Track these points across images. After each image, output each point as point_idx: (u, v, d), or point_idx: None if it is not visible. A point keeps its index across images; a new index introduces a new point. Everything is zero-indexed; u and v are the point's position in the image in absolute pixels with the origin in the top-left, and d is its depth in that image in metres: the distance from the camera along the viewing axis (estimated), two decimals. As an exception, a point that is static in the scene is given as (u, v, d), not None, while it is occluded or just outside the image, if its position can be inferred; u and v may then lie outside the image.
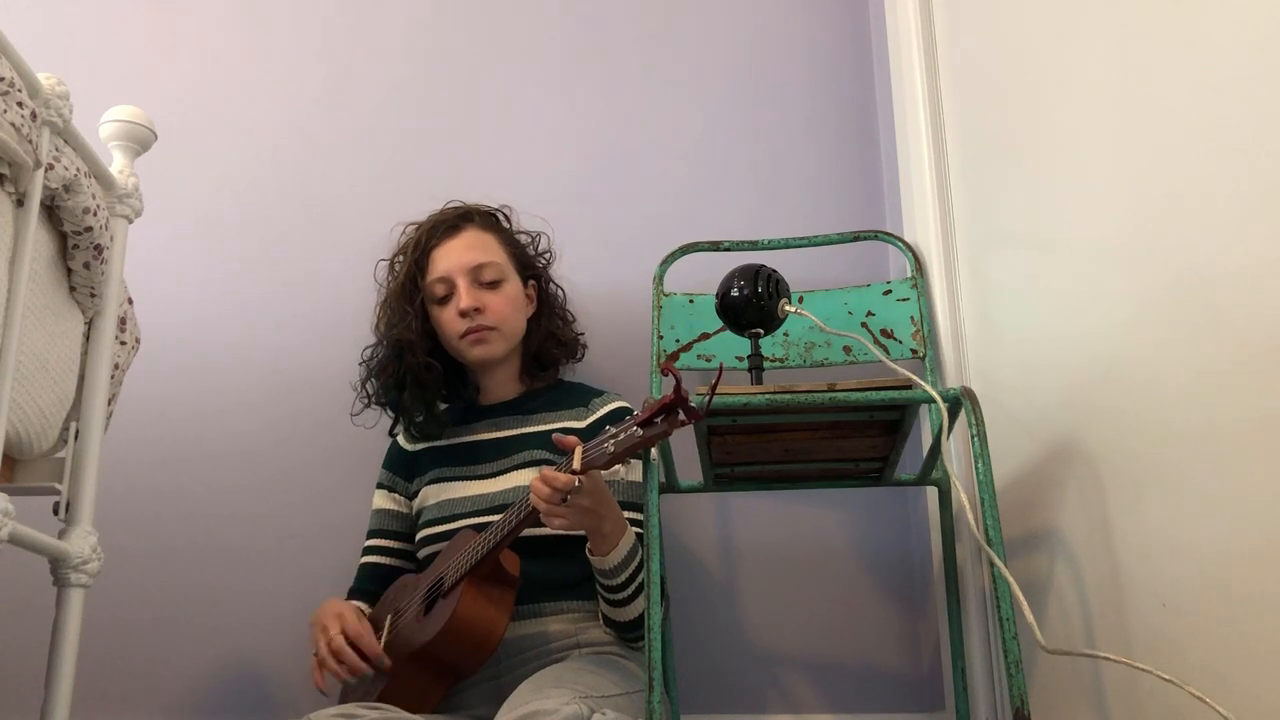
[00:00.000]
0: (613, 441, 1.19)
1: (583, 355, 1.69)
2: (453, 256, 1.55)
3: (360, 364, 1.63)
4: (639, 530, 1.44)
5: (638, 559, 1.37)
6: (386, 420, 1.68)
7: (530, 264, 1.64)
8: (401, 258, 1.60)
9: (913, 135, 1.71)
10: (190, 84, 2.02)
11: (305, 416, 1.83)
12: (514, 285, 1.58)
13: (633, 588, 1.37)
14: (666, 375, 1.14)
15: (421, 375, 1.55)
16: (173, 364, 1.86)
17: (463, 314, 1.52)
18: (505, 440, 1.55)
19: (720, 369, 1.20)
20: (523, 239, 1.65)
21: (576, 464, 1.21)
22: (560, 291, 1.69)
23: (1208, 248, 0.95)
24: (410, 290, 1.56)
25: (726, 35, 1.97)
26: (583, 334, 1.70)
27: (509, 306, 1.56)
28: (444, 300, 1.55)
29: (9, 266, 1.03)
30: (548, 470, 1.24)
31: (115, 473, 1.79)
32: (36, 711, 1.10)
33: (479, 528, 1.43)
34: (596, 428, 1.52)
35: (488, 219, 1.62)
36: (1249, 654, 0.91)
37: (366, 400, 1.62)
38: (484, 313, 1.53)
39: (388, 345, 1.58)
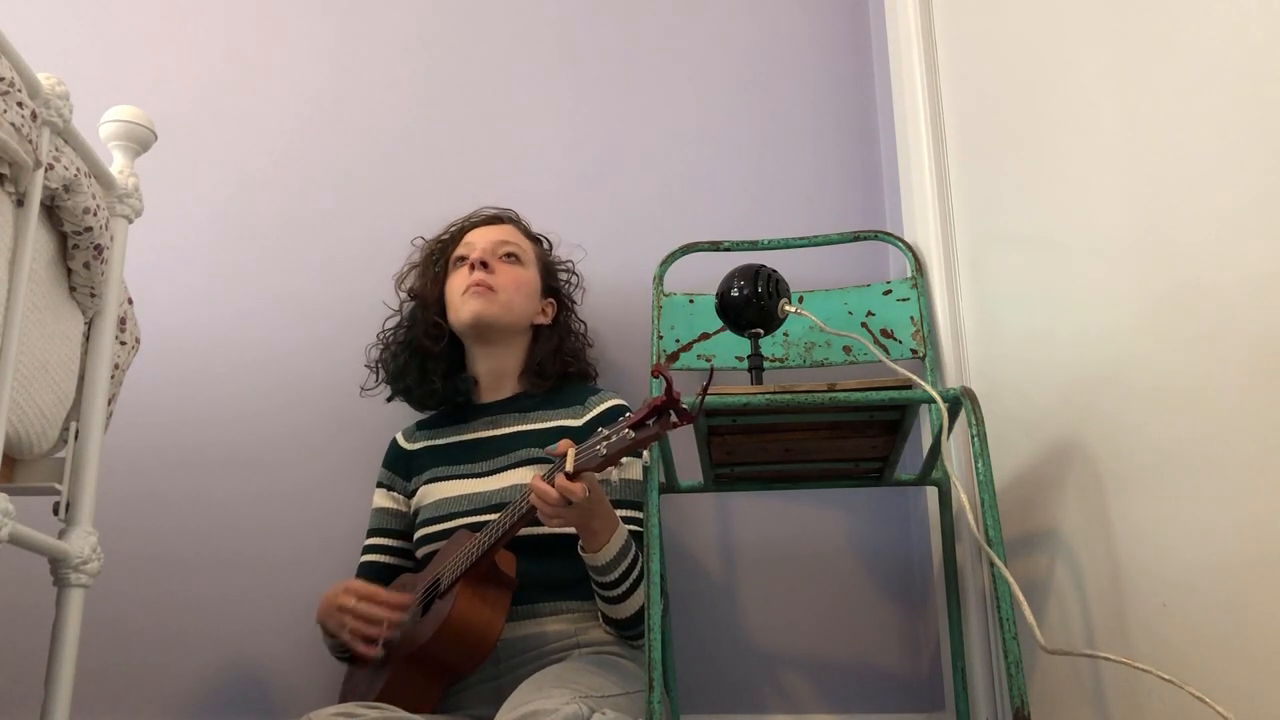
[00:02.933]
0: (605, 444, 1.18)
1: (594, 380, 1.71)
2: (486, 236, 1.63)
3: (378, 334, 1.70)
4: (638, 529, 1.44)
5: (630, 555, 1.37)
6: (390, 419, 1.68)
7: (554, 283, 1.69)
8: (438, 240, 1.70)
9: (913, 135, 1.71)
10: (192, 83, 2.02)
11: (307, 418, 1.83)
12: (531, 275, 1.63)
13: (627, 584, 1.36)
14: (658, 377, 1.14)
15: (429, 334, 1.60)
16: (173, 365, 1.86)
17: (471, 267, 1.57)
18: (503, 438, 1.55)
19: (711, 370, 1.19)
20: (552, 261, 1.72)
21: (569, 467, 1.20)
22: (582, 325, 1.72)
23: (1208, 248, 0.95)
24: (437, 256, 1.66)
25: (726, 35, 1.97)
26: (594, 367, 1.71)
27: (517, 282, 1.60)
28: (461, 262, 1.61)
29: (9, 266, 1.03)
30: (561, 479, 1.23)
31: (116, 475, 1.79)
32: (36, 712, 1.10)
33: (475, 527, 1.44)
34: (592, 425, 1.53)
35: (530, 233, 1.70)
36: (1249, 654, 0.91)
37: (379, 372, 1.67)
38: (492, 272, 1.57)
39: (404, 305, 1.66)
